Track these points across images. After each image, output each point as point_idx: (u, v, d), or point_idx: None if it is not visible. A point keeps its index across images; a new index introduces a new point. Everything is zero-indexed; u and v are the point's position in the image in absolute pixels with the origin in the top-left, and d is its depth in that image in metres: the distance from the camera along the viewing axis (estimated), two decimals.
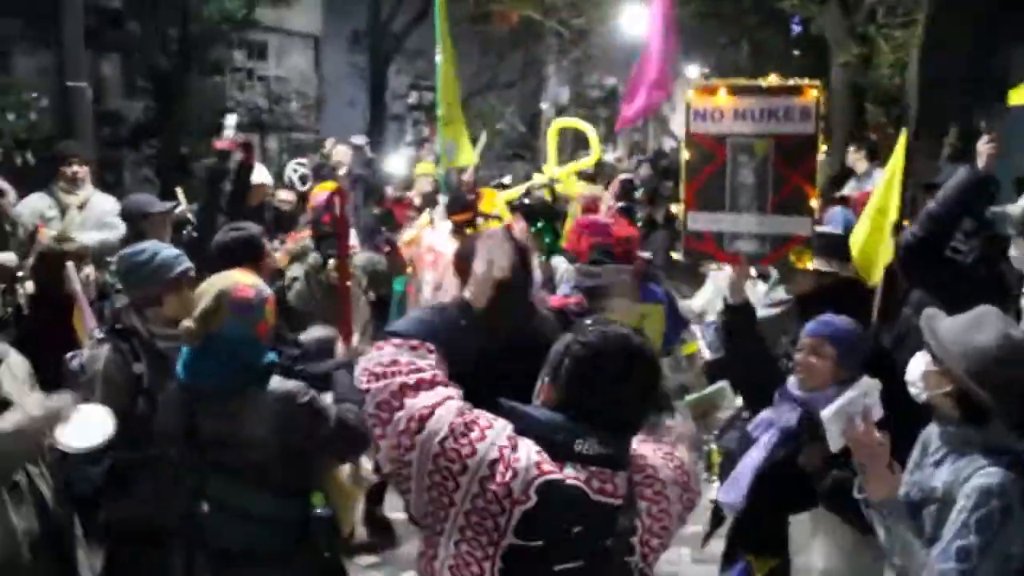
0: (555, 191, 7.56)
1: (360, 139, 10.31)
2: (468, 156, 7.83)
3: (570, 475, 2.00)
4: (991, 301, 2.97)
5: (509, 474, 1.97)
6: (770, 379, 3.54)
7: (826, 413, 2.85)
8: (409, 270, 6.41)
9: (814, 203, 3.87)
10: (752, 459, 3.34)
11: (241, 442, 2.94)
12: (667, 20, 6.87)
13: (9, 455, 2.86)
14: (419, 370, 2.15)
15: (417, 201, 8.02)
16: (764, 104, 3.85)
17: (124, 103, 13.08)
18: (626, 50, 19.82)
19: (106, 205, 6.14)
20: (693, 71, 26.01)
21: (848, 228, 4.66)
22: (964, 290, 4.30)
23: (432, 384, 2.13)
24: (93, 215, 6.00)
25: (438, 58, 7.23)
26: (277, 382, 3.04)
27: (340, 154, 9.90)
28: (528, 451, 2.01)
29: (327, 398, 3.16)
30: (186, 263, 3.61)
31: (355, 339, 4.09)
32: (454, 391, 2.14)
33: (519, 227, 5.27)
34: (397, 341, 2.24)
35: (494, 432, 2.04)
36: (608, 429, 2.06)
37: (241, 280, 3.07)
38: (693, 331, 6.99)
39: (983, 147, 4.41)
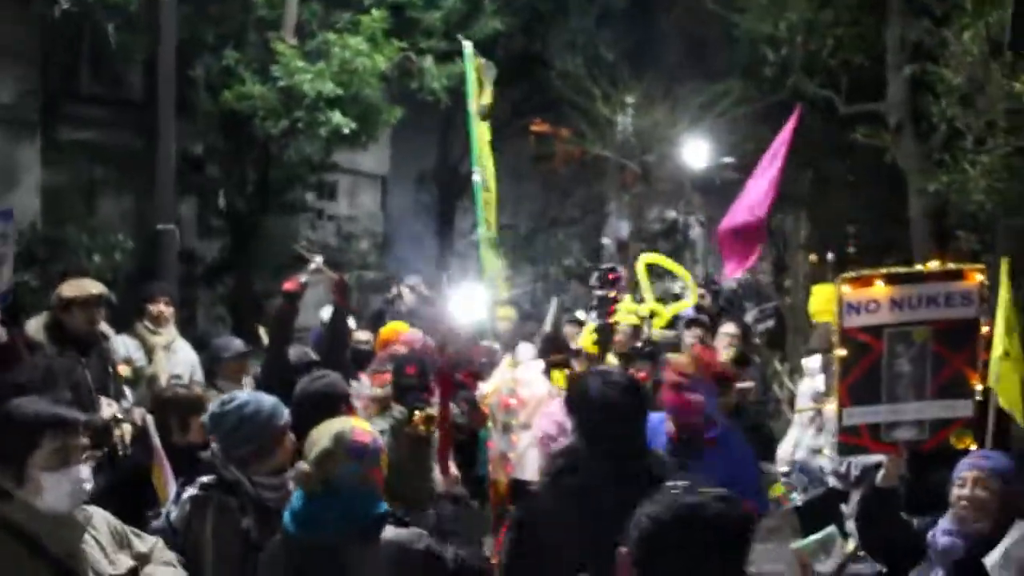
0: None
1: (413, 279, 10.27)
2: (501, 289, 7.68)
3: None
4: None
5: None
6: (912, 555, 3.40)
7: (991, 560, 2.67)
8: (489, 424, 6.19)
9: (978, 386, 3.71)
10: None
11: None
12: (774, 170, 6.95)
13: None
14: None
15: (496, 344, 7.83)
16: (924, 291, 3.71)
17: (200, 243, 13.39)
18: (686, 183, 20.01)
19: (189, 351, 6.16)
20: None
21: None
22: None
23: None
24: (179, 359, 5.99)
25: (475, 177, 7.10)
26: (391, 532, 2.90)
27: (407, 296, 9.91)
28: None
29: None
30: (286, 410, 3.51)
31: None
32: None
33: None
34: None
35: None
36: None
37: (356, 425, 3.01)
38: (777, 473, 6.68)
39: None
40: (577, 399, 3.34)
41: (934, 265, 3.89)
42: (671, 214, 26.25)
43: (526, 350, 7.75)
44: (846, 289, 3.75)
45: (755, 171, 7.53)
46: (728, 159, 20.26)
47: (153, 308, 6.04)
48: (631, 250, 21.41)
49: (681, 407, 4.22)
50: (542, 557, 3.07)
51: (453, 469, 4.03)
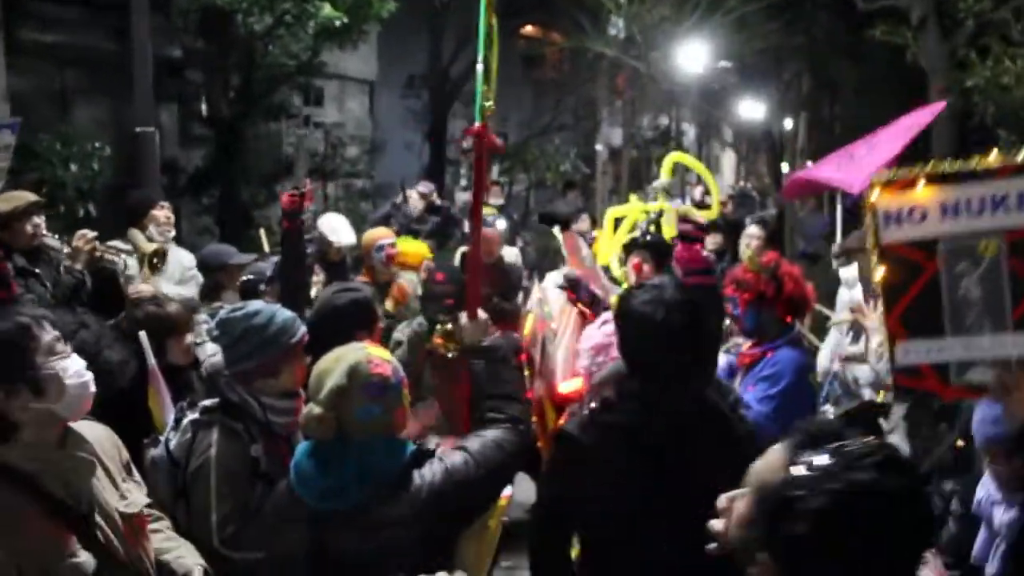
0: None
1: (426, 186, 9.92)
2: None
3: None
4: None
5: None
6: None
7: None
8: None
9: None
10: None
11: (383, 559, 2.38)
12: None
13: None
14: None
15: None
16: (984, 191, 2.92)
17: (182, 152, 12.85)
18: (688, 87, 19.40)
19: (184, 258, 5.83)
20: (749, 108, 25.55)
21: None
22: None
23: None
24: (171, 268, 5.63)
25: (480, 66, 6.45)
26: (417, 479, 2.47)
27: (414, 201, 9.61)
28: None
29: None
30: (303, 327, 3.10)
31: None
32: None
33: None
34: None
35: None
36: None
37: (373, 353, 2.50)
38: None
39: None
40: (619, 317, 2.84)
41: (993, 157, 2.94)
42: (664, 121, 25.70)
43: (510, 252, 7.48)
44: (878, 196, 3.01)
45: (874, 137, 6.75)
46: (727, 63, 19.65)
47: (160, 213, 5.76)
48: (624, 156, 20.97)
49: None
50: (579, 499, 2.70)
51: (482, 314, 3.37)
